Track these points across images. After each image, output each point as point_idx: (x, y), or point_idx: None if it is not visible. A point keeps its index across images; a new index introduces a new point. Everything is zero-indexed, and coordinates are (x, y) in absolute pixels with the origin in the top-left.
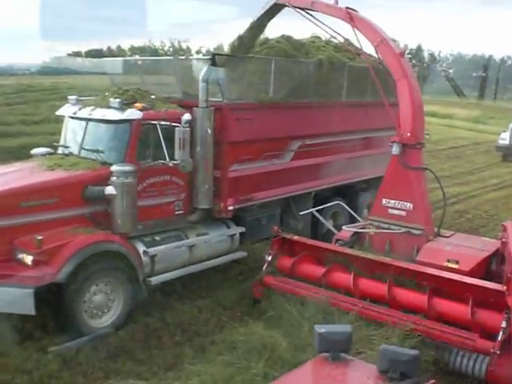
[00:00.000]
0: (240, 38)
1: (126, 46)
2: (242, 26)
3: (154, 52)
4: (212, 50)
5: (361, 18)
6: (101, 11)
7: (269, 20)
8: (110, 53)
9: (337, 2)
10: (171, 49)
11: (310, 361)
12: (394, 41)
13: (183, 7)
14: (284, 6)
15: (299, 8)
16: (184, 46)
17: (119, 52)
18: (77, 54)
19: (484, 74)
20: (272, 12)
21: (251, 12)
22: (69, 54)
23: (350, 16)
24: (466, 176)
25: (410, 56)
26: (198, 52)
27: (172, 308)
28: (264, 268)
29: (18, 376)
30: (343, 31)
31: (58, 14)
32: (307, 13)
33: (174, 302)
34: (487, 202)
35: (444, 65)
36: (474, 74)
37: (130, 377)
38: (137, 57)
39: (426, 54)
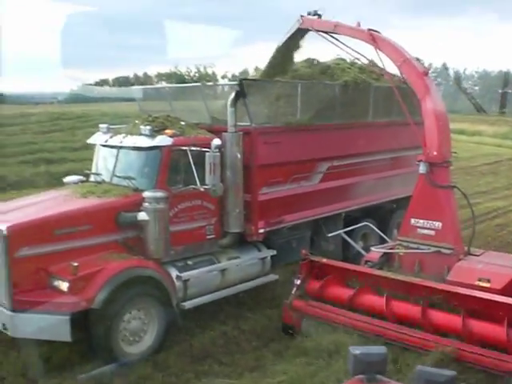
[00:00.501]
0: (270, 63)
1: (152, 72)
2: (261, 49)
3: (180, 78)
4: (237, 74)
5: (383, 39)
6: (125, 39)
7: (295, 45)
8: (137, 80)
9: (359, 25)
10: (197, 74)
11: (345, 382)
12: (419, 60)
13: (203, 32)
14: (307, 30)
15: (322, 32)
16: (210, 71)
17: (146, 79)
18: (104, 82)
19: (504, 91)
20: (297, 37)
21: (268, 35)
22: (96, 82)
23: (373, 37)
24: (503, 191)
25: (435, 75)
26: (224, 77)
27: (245, 317)
28: (293, 292)
29: None
30: (366, 52)
31: (83, 43)
32: (331, 36)
33: (247, 312)
34: None
35: (470, 82)
36: (500, 91)
37: (218, 377)
38: (164, 83)
39: (451, 72)
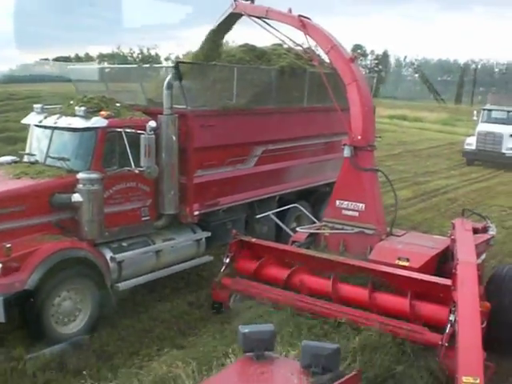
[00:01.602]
0: (202, 47)
1: (94, 53)
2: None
3: (123, 59)
4: (181, 57)
5: (313, 25)
6: (69, 18)
7: (228, 29)
8: (78, 60)
9: (290, 11)
10: (140, 56)
11: (234, 361)
12: (361, 47)
13: (151, 12)
14: (241, 15)
15: (255, 17)
16: (153, 52)
17: (87, 59)
18: (44, 61)
19: (449, 78)
20: (230, 21)
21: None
22: (36, 62)
23: (303, 23)
24: (449, 171)
25: (376, 61)
26: (167, 59)
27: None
28: (222, 270)
29: None
30: (299, 39)
31: (27, 22)
32: (263, 21)
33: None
34: (472, 192)
35: (409, 70)
36: (439, 79)
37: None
38: (105, 64)
39: (392, 60)
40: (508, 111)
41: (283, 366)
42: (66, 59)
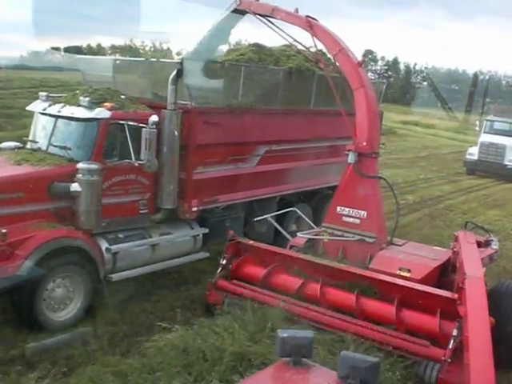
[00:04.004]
0: (202, 43)
1: (106, 44)
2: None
3: (135, 52)
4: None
5: (320, 27)
6: (83, 8)
7: (232, 26)
8: (90, 50)
9: (297, 11)
10: (152, 49)
11: (271, 365)
12: (371, 52)
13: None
14: (245, 12)
15: (260, 15)
16: (165, 47)
17: (99, 50)
18: (56, 50)
19: (457, 88)
20: (234, 17)
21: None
22: (47, 50)
23: (310, 24)
24: None
25: (386, 67)
26: (179, 53)
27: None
28: (218, 271)
29: None
30: (304, 40)
31: (40, 10)
32: (268, 20)
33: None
34: (501, 190)
35: (419, 77)
36: (453, 86)
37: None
38: (117, 56)
39: (402, 67)
40: (511, 123)
41: (319, 375)
42: (78, 49)
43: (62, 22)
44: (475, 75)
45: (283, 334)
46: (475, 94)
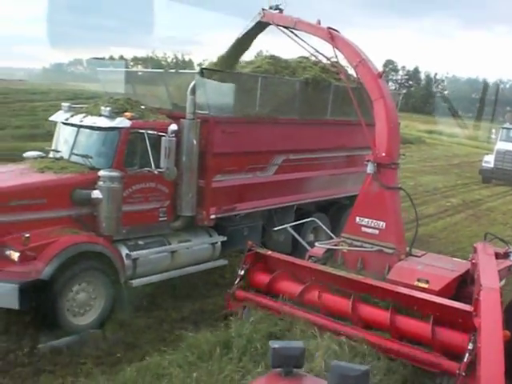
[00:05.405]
0: (226, 53)
1: (128, 55)
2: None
3: (157, 63)
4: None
5: (342, 38)
6: (105, 20)
7: (254, 37)
8: (112, 61)
9: (319, 23)
10: (174, 61)
11: (262, 376)
12: (392, 62)
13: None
14: (268, 24)
15: (283, 27)
16: (187, 58)
17: (121, 61)
18: (78, 62)
19: (478, 97)
20: (257, 30)
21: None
22: (70, 62)
23: (332, 36)
24: None
25: (406, 77)
26: (200, 65)
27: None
28: (236, 282)
29: None
30: (325, 51)
31: (62, 22)
32: (291, 32)
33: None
34: None
35: (439, 86)
36: (474, 95)
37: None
38: (138, 67)
39: (422, 76)
40: None
41: None
42: (100, 60)
43: (84, 34)
44: (494, 84)
45: (275, 344)
46: (497, 102)
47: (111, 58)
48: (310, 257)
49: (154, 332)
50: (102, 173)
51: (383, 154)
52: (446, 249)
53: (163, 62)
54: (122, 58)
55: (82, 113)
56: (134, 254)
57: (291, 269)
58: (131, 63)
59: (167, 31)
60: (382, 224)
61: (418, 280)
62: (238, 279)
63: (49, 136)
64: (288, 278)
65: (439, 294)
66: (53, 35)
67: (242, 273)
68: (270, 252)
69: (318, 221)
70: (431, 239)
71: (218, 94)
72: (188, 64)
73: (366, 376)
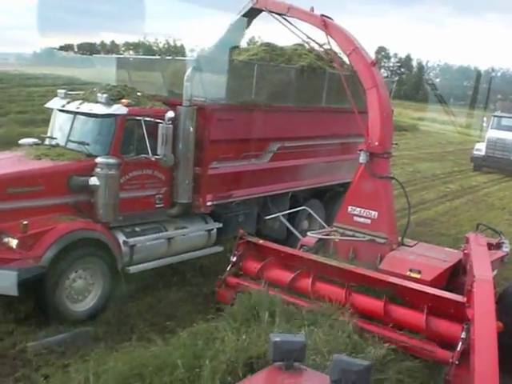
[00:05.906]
0: (220, 40)
1: (120, 41)
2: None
3: (149, 49)
4: (206, 49)
5: (335, 26)
6: (95, 5)
7: (248, 24)
8: (103, 48)
9: (312, 10)
10: (166, 46)
11: (263, 370)
12: (384, 49)
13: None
14: (261, 10)
15: (276, 13)
16: (178, 43)
17: (112, 47)
18: (69, 47)
19: (470, 85)
20: (250, 16)
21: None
22: (61, 47)
23: (325, 23)
24: None
25: (398, 64)
26: (192, 50)
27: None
28: (228, 269)
29: None
30: (318, 38)
31: (53, 6)
32: (284, 19)
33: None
34: None
35: (431, 74)
36: (465, 83)
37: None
38: (131, 53)
39: (414, 63)
40: None
41: (312, 379)
42: (91, 46)
43: (75, 20)
44: (485, 72)
45: (275, 338)
46: (483, 90)
47: (102, 44)
48: (302, 246)
49: (190, 305)
50: (99, 160)
51: (376, 144)
52: (449, 231)
53: (155, 48)
54: (113, 43)
55: (78, 99)
56: (131, 240)
57: (282, 257)
58: (122, 48)
59: (158, 18)
60: (374, 214)
61: (410, 270)
62: (229, 265)
63: None
64: (279, 266)
65: (431, 284)
66: (43, 20)
67: (235, 259)
68: (261, 241)
69: (310, 210)
70: (434, 222)
71: (215, 82)
72: (179, 50)
73: (368, 371)
